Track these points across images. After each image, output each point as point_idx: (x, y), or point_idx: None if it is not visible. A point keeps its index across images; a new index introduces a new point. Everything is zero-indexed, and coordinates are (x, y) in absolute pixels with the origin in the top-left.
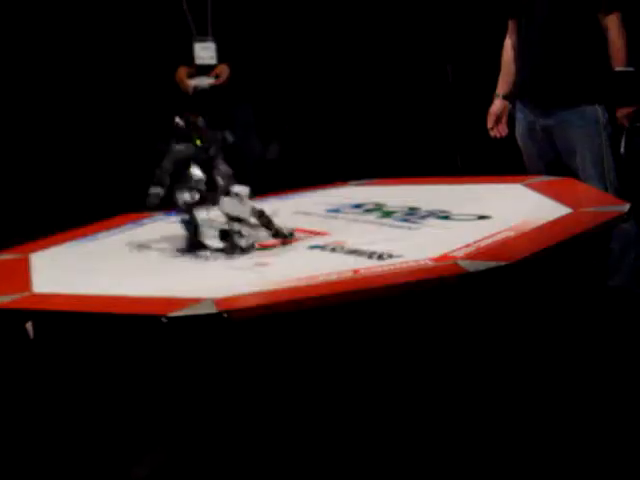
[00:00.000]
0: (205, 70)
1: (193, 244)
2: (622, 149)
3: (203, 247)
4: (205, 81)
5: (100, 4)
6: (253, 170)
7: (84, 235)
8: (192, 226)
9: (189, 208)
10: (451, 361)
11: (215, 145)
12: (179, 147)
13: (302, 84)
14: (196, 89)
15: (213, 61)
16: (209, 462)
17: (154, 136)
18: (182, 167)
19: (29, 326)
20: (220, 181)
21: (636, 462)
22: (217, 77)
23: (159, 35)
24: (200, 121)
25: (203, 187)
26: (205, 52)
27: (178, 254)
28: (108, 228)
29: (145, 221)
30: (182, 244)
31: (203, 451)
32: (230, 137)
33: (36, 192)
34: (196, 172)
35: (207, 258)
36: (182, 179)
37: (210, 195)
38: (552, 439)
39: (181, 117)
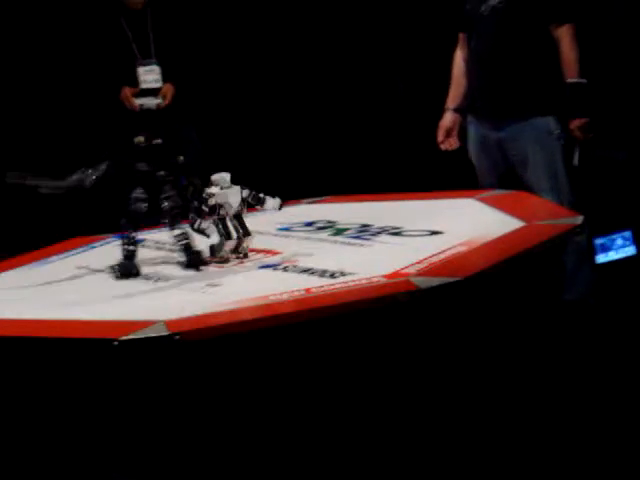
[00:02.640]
0: (150, 92)
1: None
2: (575, 161)
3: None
4: (153, 101)
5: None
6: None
7: (34, 259)
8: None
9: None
10: (404, 379)
11: (167, 169)
12: (139, 165)
13: (248, 101)
14: (142, 108)
15: (158, 84)
16: None
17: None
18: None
19: None
20: (165, 205)
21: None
22: (163, 97)
23: (102, 58)
24: (158, 143)
25: (143, 209)
26: (149, 75)
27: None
28: (59, 252)
29: (95, 244)
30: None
31: (157, 475)
32: (182, 160)
33: None
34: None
35: (156, 280)
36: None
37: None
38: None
39: (143, 136)
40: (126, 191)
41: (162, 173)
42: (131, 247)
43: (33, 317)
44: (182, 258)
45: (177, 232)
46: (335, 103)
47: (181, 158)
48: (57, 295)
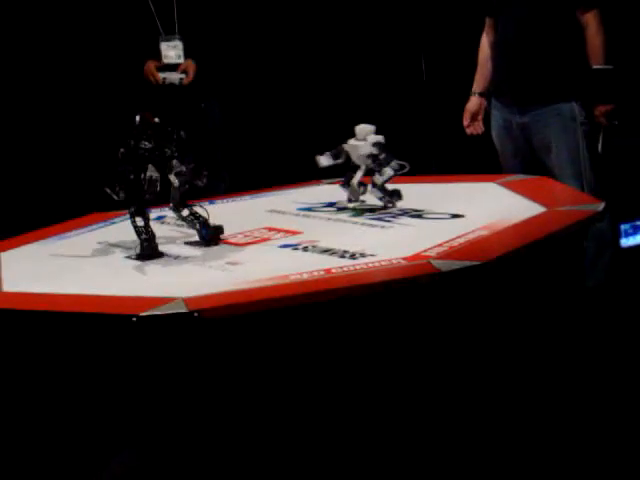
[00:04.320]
0: (173, 68)
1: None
2: (600, 147)
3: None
4: (175, 76)
5: (65, 4)
6: (223, 165)
7: (55, 234)
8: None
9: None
10: (423, 361)
11: (170, 145)
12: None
13: (273, 81)
14: (165, 82)
15: (180, 60)
16: (181, 462)
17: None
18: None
19: None
20: (175, 181)
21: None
22: (185, 73)
23: (126, 34)
24: (156, 120)
25: (157, 187)
26: (172, 51)
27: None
28: (79, 227)
29: (116, 220)
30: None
31: (173, 451)
32: (184, 135)
33: (7, 190)
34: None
35: (176, 257)
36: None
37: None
38: (533, 438)
39: (140, 115)
40: (128, 171)
41: (168, 150)
42: (149, 230)
43: (52, 291)
44: (197, 235)
45: (189, 210)
46: (360, 85)
47: (182, 133)
48: (76, 270)
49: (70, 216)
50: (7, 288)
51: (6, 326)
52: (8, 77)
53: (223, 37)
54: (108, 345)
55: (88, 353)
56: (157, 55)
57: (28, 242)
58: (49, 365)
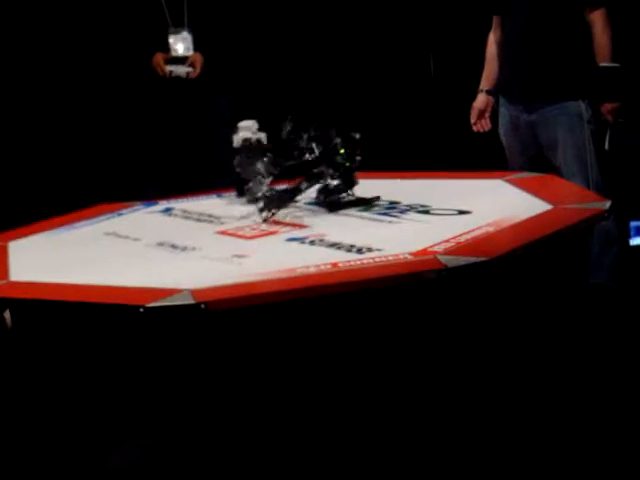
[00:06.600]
0: (181, 61)
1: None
2: (606, 145)
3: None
4: (182, 69)
5: None
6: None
7: (62, 224)
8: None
9: None
10: (429, 355)
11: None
12: None
13: (280, 77)
14: (171, 75)
15: (189, 52)
16: (185, 452)
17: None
18: None
19: (7, 315)
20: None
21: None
22: (192, 66)
23: (135, 26)
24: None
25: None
26: (180, 44)
27: (157, 244)
28: (86, 218)
29: (123, 211)
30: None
31: (178, 441)
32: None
33: (15, 181)
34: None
35: (184, 249)
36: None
37: None
38: (533, 433)
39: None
40: None
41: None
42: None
43: (60, 281)
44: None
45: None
46: (369, 82)
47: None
48: (83, 261)
49: (78, 207)
50: (15, 278)
51: (14, 315)
52: (17, 70)
53: (232, 31)
54: (115, 335)
55: (95, 343)
56: (166, 47)
57: (35, 232)
58: (56, 355)
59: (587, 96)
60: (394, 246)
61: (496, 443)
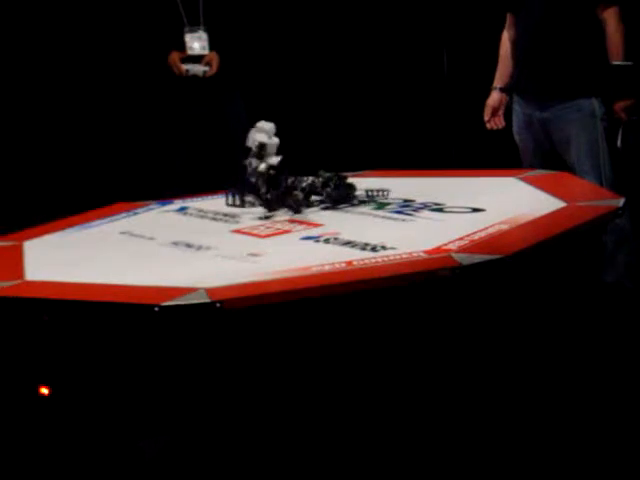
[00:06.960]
0: (196, 59)
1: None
2: (619, 143)
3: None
4: (199, 68)
5: None
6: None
7: (78, 223)
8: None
9: None
10: (443, 353)
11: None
12: None
13: (296, 74)
14: (188, 73)
15: (205, 51)
16: (202, 450)
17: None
18: None
19: None
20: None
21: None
22: (209, 65)
23: (151, 25)
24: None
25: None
26: (197, 42)
27: (172, 243)
28: (101, 217)
29: (138, 210)
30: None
31: (195, 439)
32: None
33: (30, 180)
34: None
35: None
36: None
37: None
38: (546, 433)
39: None
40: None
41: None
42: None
43: (75, 281)
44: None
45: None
46: (382, 81)
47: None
48: (98, 260)
49: (93, 206)
50: (30, 277)
51: (29, 315)
52: (31, 67)
53: (248, 30)
54: (130, 334)
55: (110, 342)
56: (182, 46)
57: (51, 231)
58: (70, 354)
59: (600, 94)
60: (408, 244)
61: (511, 441)
